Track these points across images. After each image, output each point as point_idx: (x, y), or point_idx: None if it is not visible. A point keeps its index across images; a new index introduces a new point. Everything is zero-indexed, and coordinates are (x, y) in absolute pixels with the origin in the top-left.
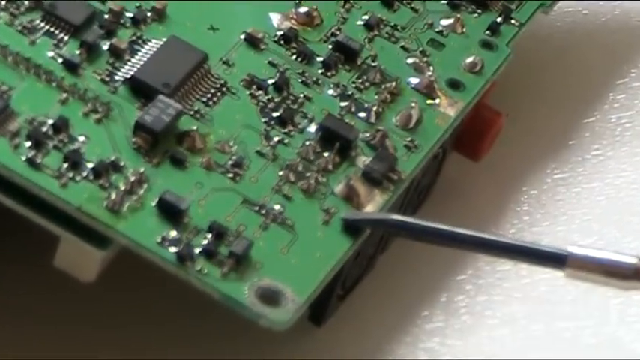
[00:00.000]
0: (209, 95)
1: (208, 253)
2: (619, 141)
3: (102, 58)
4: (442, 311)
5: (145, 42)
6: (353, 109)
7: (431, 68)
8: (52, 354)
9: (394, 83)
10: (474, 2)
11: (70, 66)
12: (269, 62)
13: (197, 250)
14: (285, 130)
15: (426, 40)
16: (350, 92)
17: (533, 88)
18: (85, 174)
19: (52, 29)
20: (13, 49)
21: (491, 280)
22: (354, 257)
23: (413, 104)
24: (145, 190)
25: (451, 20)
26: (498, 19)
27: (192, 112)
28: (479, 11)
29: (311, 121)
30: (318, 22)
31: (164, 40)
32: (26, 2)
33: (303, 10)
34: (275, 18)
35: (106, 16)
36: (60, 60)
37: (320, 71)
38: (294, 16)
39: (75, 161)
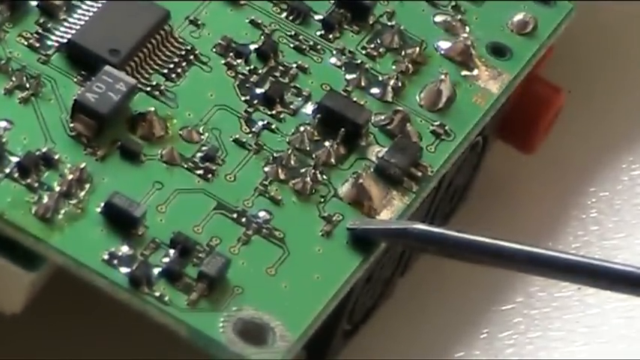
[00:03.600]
0: (171, 66)
1: (171, 275)
2: None
3: (30, 16)
4: (482, 351)
5: None
6: (363, 84)
7: (467, 29)
8: None
9: (418, 49)
10: None
11: None
12: (251, 21)
13: (156, 271)
14: (273, 112)
15: None
16: (359, 61)
17: (602, 56)
18: (7, 171)
19: None
20: None
21: (547, 310)
22: (364, 281)
23: (443, 77)
24: (87, 191)
25: None
26: None
27: (149, 88)
28: None
29: (307, 99)
30: None
31: None
32: None
33: None
34: None
35: None
36: None
37: (319, 33)
38: None
39: None
